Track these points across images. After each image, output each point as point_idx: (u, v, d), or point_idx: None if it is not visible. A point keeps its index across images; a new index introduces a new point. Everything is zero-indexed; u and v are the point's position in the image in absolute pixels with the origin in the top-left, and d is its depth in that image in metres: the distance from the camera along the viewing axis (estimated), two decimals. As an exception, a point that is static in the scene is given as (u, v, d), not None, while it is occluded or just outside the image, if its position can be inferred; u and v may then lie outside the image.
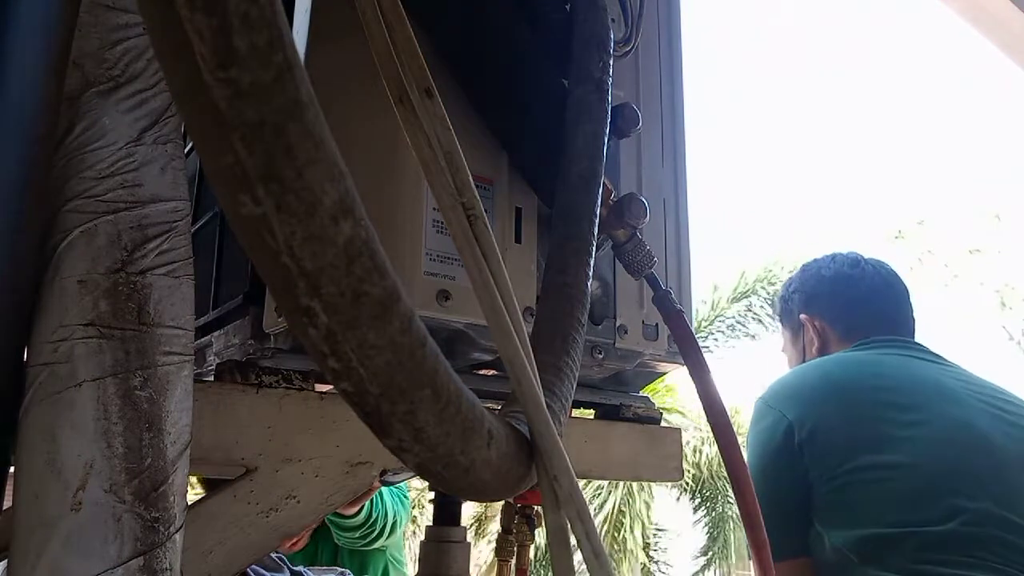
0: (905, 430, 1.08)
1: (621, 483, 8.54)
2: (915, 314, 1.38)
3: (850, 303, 1.35)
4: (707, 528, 8.97)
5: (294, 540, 1.62)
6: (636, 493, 8.61)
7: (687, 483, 8.82)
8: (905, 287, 1.38)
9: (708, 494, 8.82)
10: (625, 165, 0.69)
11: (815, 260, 1.45)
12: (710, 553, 8.90)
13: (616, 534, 8.43)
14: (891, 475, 1.06)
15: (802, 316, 1.39)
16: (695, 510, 9.14)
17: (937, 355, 1.27)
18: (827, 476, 1.09)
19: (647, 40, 0.73)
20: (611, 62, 0.60)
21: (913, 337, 1.33)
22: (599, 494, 8.65)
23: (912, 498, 1.03)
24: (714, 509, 8.85)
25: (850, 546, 1.05)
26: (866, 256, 1.41)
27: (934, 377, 1.18)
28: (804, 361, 1.36)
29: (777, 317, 1.52)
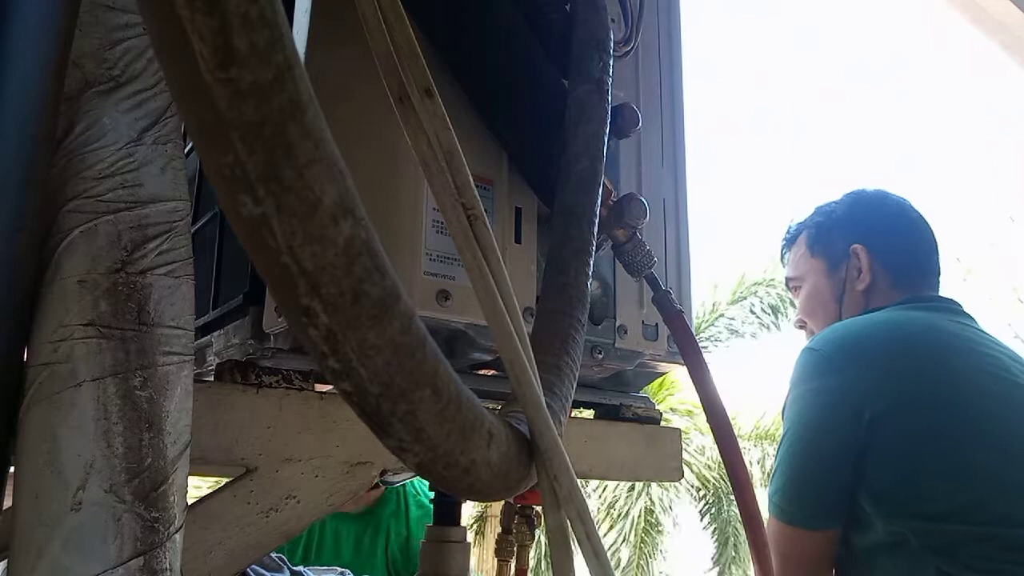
0: (988, 421, 1.00)
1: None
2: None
3: (908, 250, 1.24)
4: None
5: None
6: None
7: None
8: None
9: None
10: (625, 165, 0.69)
11: (862, 190, 1.32)
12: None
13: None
14: (977, 470, 0.97)
15: (855, 246, 1.23)
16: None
17: (975, 320, 1.19)
18: (900, 461, 0.99)
19: (647, 40, 0.73)
20: (611, 62, 0.60)
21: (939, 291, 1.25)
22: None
23: (998, 496, 0.96)
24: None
25: (918, 535, 0.97)
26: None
27: (1004, 361, 1.08)
28: (840, 295, 1.24)
29: (798, 244, 1.33)
